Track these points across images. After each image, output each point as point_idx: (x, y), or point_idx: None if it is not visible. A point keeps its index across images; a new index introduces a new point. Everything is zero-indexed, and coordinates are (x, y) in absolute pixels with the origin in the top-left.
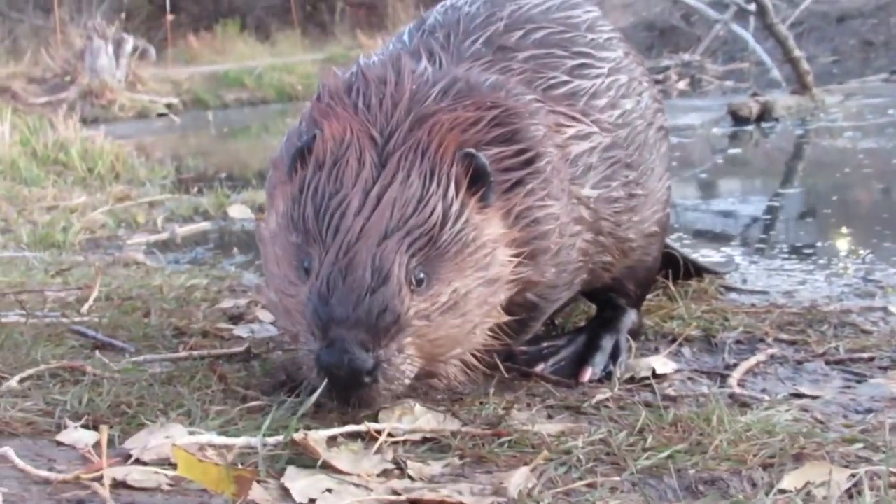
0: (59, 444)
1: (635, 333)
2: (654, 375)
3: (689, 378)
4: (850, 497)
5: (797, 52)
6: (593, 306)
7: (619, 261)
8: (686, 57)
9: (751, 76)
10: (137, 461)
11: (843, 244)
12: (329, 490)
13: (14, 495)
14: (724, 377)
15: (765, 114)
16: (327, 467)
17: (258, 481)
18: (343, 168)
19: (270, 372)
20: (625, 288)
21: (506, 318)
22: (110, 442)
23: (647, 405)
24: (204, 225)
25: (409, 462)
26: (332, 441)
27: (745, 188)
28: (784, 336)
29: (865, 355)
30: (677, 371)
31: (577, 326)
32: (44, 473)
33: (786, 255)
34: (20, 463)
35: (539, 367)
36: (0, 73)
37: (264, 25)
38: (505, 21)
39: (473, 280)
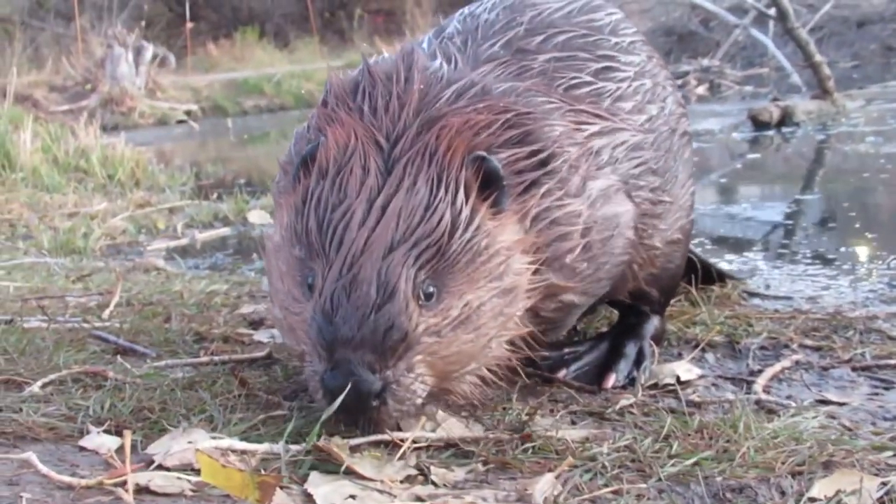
0: (82, 449)
1: (658, 339)
2: (678, 381)
3: (714, 384)
4: None
5: (818, 57)
6: (615, 311)
7: (643, 269)
8: (705, 62)
9: (770, 81)
10: (160, 466)
11: (866, 249)
12: (353, 496)
13: (37, 500)
14: (748, 383)
15: (785, 119)
16: (350, 473)
17: (281, 487)
18: (347, 177)
19: (292, 377)
20: (649, 295)
21: (525, 330)
22: (133, 447)
23: (672, 411)
24: (223, 231)
25: (432, 468)
26: (354, 447)
27: (767, 193)
28: (809, 342)
29: (892, 361)
30: (701, 377)
31: (598, 332)
32: (66, 479)
33: (809, 261)
34: (43, 468)
35: (561, 373)
36: (22, 82)
37: (283, 33)
38: (525, 26)
39: (487, 291)
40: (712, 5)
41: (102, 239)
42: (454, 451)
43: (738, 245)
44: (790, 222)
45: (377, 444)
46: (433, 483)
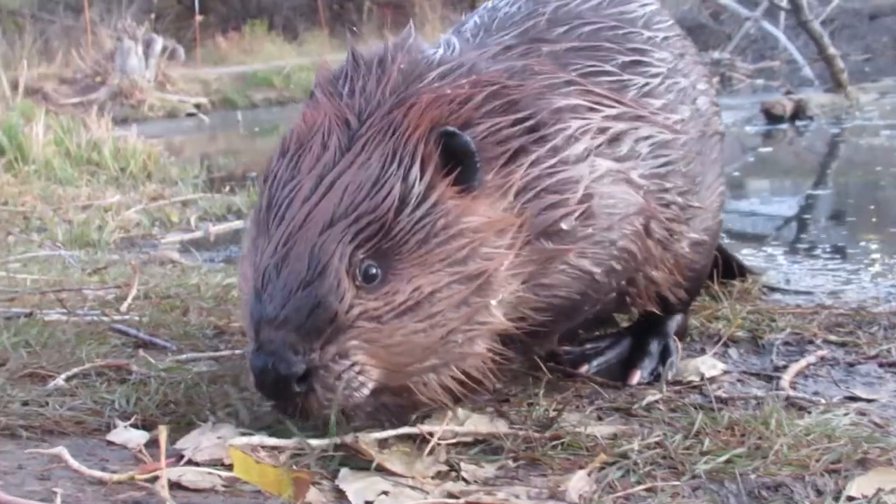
0: (110, 443)
1: (682, 335)
2: (703, 377)
3: (739, 380)
4: None
5: (832, 50)
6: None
7: (670, 274)
8: (716, 55)
9: (781, 74)
10: (190, 462)
11: (887, 244)
12: (385, 492)
13: (70, 496)
14: (773, 379)
15: (798, 112)
16: (380, 469)
17: (313, 483)
18: (304, 154)
19: None
20: (673, 295)
21: (518, 327)
22: None
23: (699, 407)
24: (237, 223)
25: (462, 464)
26: (382, 442)
27: (782, 187)
28: (833, 337)
29: None
30: (725, 372)
31: (619, 328)
32: (98, 474)
33: (828, 255)
34: (74, 463)
35: (583, 368)
36: (32, 75)
37: (292, 25)
38: (548, 17)
39: (444, 276)
40: None
41: (116, 232)
42: (483, 446)
43: (755, 239)
44: (807, 216)
45: (404, 438)
46: (463, 479)
